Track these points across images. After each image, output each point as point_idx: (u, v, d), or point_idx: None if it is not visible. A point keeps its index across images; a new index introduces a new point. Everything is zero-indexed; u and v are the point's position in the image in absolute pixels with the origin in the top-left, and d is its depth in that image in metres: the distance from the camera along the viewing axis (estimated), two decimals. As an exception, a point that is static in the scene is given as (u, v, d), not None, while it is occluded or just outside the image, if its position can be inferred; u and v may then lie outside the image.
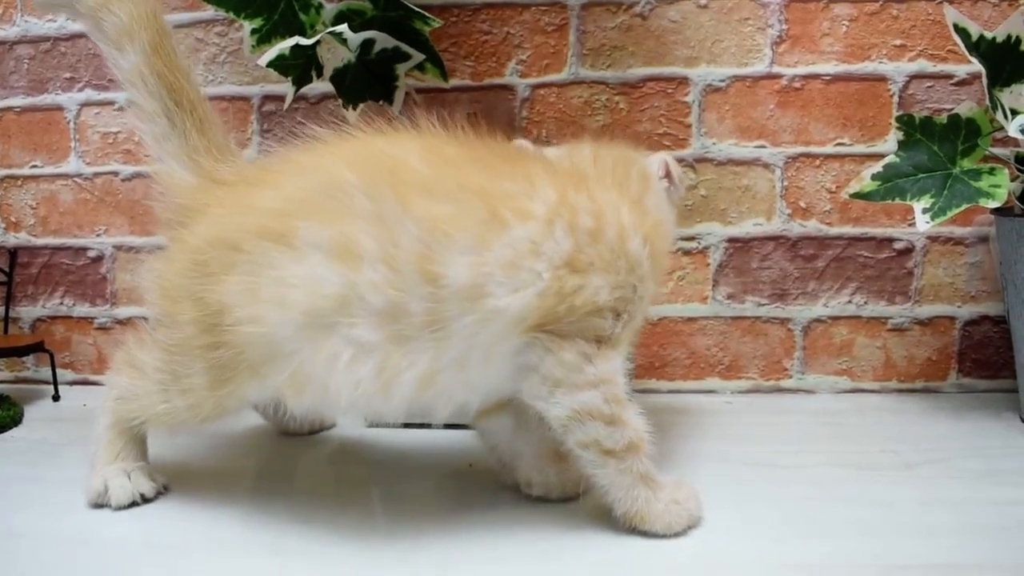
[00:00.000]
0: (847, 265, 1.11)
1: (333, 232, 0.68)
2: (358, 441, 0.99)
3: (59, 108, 1.19)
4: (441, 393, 0.70)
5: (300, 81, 0.95)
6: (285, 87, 0.96)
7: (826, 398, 1.11)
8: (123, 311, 1.21)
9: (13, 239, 1.22)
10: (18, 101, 1.19)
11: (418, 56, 0.96)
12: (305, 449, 0.97)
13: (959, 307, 1.11)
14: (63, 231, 1.21)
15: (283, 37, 0.93)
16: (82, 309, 1.22)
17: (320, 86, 1.00)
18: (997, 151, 0.99)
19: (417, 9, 0.93)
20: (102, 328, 1.22)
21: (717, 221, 1.11)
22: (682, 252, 1.11)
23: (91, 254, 1.21)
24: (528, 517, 0.76)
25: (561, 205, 0.69)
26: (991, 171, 0.91)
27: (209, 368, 0.74)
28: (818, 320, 1.12)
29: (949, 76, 1.07)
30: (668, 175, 0.86)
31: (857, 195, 0.96)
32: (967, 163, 0.94)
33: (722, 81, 1.09)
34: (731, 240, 1.11)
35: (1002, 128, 0.91)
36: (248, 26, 0.93)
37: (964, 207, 0.90)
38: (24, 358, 1.22)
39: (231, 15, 0.93)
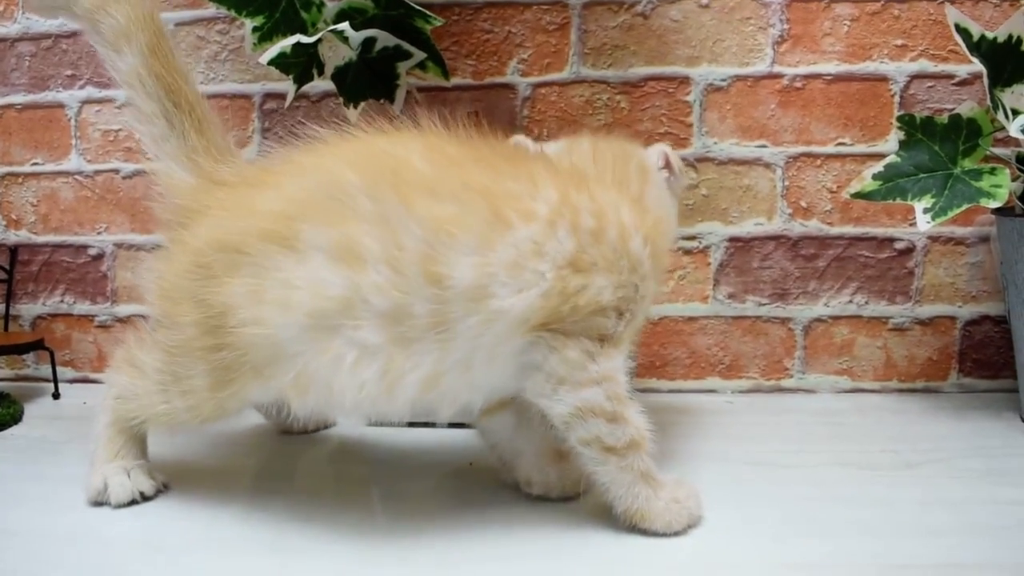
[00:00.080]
0: (848, 265, 1.11)
1: (336, 234, 0.68)
2: (358, 440, 0.99)
3: (60, 105, 1.19)
4: (445, 394, 0.70)
5: (301, 79, 0.95)
6: (286, 85, 0.96)
7: (827, 398, 1.11)
8: (123, 309, 1.21)
9: (14, 236, 1.22)
10: (19, 98, 1.19)
11: (419, 55, 0.96)
12: (305, 448, 0.97)
13: (960, 307, 1.11)
14: (64, 229, 1.21)
15: (284, 35, 0.93)
16: (82, 307, 1.22)
17: (321, 84, 1.00)
18: (998, 151, 0.99)
19: (418, 7, 0.93)
20: (102, 326, 1.22)
21: (718, 220, 1.11)
22: (683, 251, 1.11)
23: (92, 252, 1.21)
24: (528, 516, 0.76)
25: (563, 205, 0.69)
26: (992, 171, 0.91)
27: (211, 370, 0.74)
28: (819, 320, 1.12)
29: (950, 76, 1.07)
30: (668, 165, 0.86)
31: (858, 195, 0.96)
32: (968, 163, 0.94)
33: (723, 80, 1.09)
34: (732, 240, 1.11)
35: (1003, 128, 0.91)
36: (249, 24, 0.93)
37: (965, 207, 0.90)
38: (24, 356, 1.22)
39: (232, 13, 0.93)
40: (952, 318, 1.11)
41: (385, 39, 0.94)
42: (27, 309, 1.23)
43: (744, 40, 1.08)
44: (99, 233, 1.20)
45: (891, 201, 0.95)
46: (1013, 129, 0.88)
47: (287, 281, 0.69)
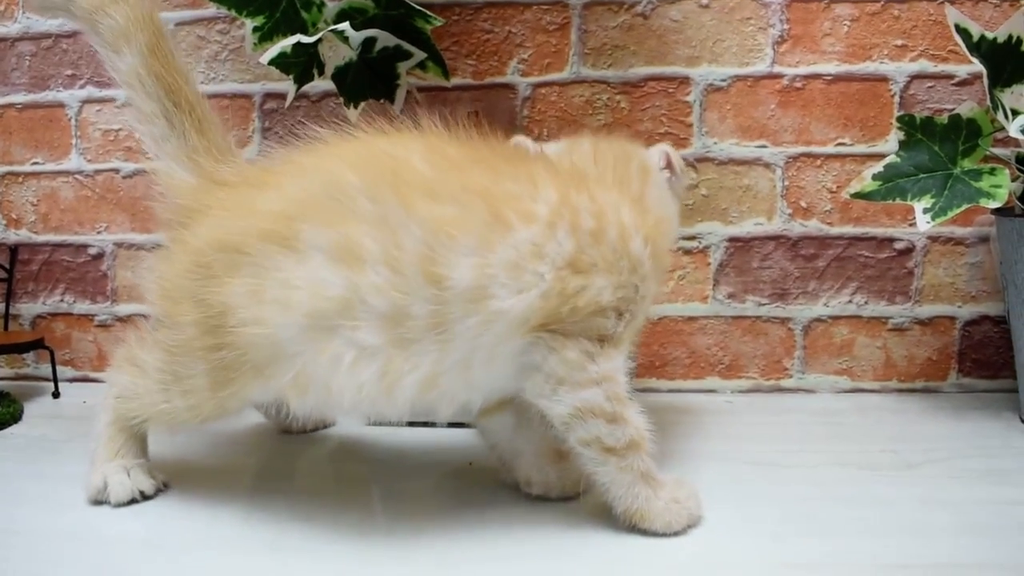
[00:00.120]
0: (847, 265, 1.11)
1: (336, 234, 0.68)
2: (358, 439, 0.99)
3: (60, 105, 1.19)
4: (444, 394, 0.70)
5: (302, 79, 0.95)
6: (286, 85, 0.96)
7: (826, 398, 1.11)
8: (123, 308, 1.21)
9: (14, 236, 1.22)
10: (19, 98, 1.19)
11: (420, 55, 0.97)
12: (305, 447, 0.97)
13: (959, 307, 1.11)
14: (64, 228, 1.21)
15: (285, 35, 0.93)
16: (82, 306, 1.22)
17: (321, 84, 1.00)
18: (998, 151, 0.99)
19: (419, 7, 0.93)
20: (102, 325, 1.22)
21: (718, 220, 1.11)
22: (683, 251, 1.11)
23: (92, 251, 1.21)
24: (528, 516, 0.76)
25: (563, 206, 0.69)
26: (992, 171, 0.91)
27: (211, 369, 0.74)
28: (818, 320, 1.12)
29: (950, 76, 1.07)
30: (669, 165, 0.86)
31: (858, 195, 0.96)
32: (968, 163, 0.94)
33: (723, 81, 1.09)
34: (732, 239, 1.11)
35: (1003, 128, 0.91)
36: (250, 24, 0.93)
37: (965, 207, 0.90)
38: (24, 355, 1.23)
39: (233, 13, 0.93)
40: (952, 318, 1.11)
41: (385, 39, 0.94)
42: (27, 308, 1.23)
43: (744, 40, 1.08)
44: (99, 232, 1.20)
45: (891, 201, 0.95)
46: (1013, 129, 0.88)
47: (287, 281, 0.69)
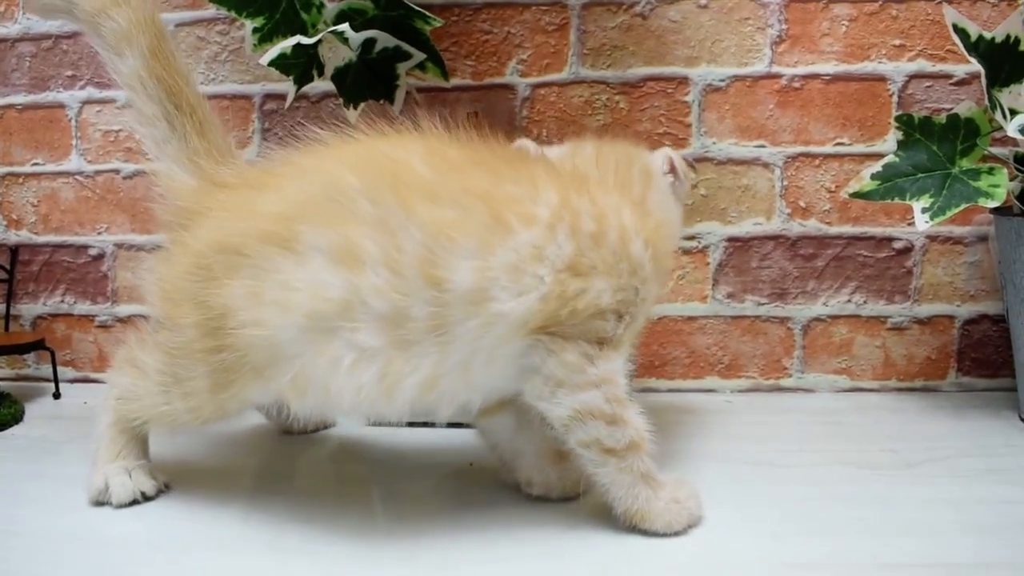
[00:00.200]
0: (846, 264, 1.11)
1: (336, 236, 0.68)
2: (358, 440, 0.99)
3: (61, 106, 1.19)
4: (444, 395, 0.70)
5: (301, 80, 0.95)
6: (286, 86, 0.97)
7: (826, 397, 1.11)
8: (124, 309, 1.21)
9: (14, 237, 1.22)
10: (20, 99, 1.19)
11: (419, 55, 0.97)
12: (306, 448, 0.97)
13: (958, 306, 1.11)
14: (64, 229, 1.21)
15: (285, 36, 0.93)
16: (83, 307, 1.22)
17: (321, 85, 1.00)
18: (996, 151, 0.99)
19: (418, 8, 0.93)
20: (103, 326, 1.22)
21: (717, 220, 1.11)
22: (682, 251, 1.11)
23: (92, 252, 1.21)
24: (528, 516, 0.76)
25: (563, 209, 0.69)
26: (990, 171, 0.91)
27: (211, 371, 0.74)
28: (817, 319, 1.12)
29: (948, 76, 1.07)
30: (672, 170, 0.86)
31: (856, 194, 0.96)
32: (966, 163, 0.94)
33: (722, 81, 1.09)
34: (731, 239, 1.12)
35: (1001, 128, 0.91)
36: (250, 25, 0.94)
37: (963, 207, 0.90)
38: (25, 356, 1.23)
39: (233, 14, 0.93)
40: (951, 317, 1.11)
41: (385, 40, 0.94)
42: (28, 309, 1.23)
43: (743, 40, 1.09)
44: (99, 233, 1.20)
45: (889, 201, 0.95)
46: (1011, 129, 0.88)
47: (286, 283, 0.69)
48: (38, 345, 1.12)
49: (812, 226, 1.11)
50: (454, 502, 0.81)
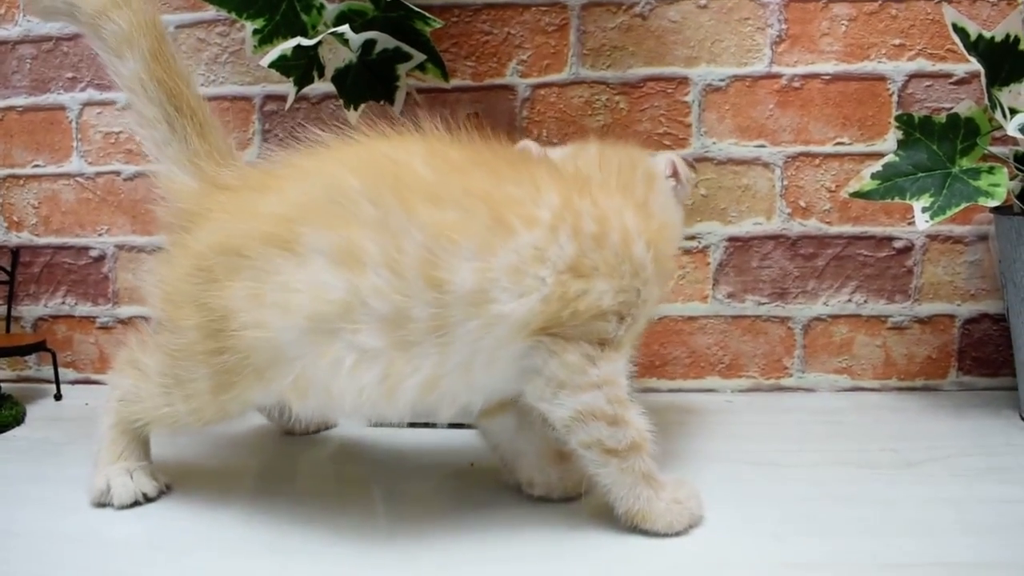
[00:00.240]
0: (847, 264, 1.11)
1: (337, 238, 0.68)
2: (359, 441, 0.99)
3: (61, 108, 1.19)
4: (445, 397, 0.70)
5: (302, 81, 0.95)
6: (287, 87, 0.97)
7: (826, 396, 1.12)
8: (125, 310, 1.21)
9: (15, 238, 1.22)
10: (20, 101, 1.19)
11: (419, 56, 0.97)
12: (307, 449, 0.97)
13: (959, 305, 1.11)
14: (65, 230, 1.21)
15: (285, 38, 0.93)
16: (84, 308, 1.22)
17: (321, 86, 1.01)
18: (996, 150, 0.99)
19: (418, 10, 0.93)
20: (104, 327, 1.22)
21: (717, 220, 1.11)
22: (682, 251, 1.11)
23: (93, 253, 1.21)
24: (529, 517, 0.76)
25: (565, 210, 0.69)
26: (990, 170, 0.91)
27: (213, 373, 0.74)
28: (818, 319, 1.12)
29: (948, 75, 1.07)
30: (675, 174, 0.86)
31: (857, 194, 0.96)
32: (966, 162, 0.94)
33: (722, 81, 1.09)
34: (731, 239, 1.12)
35: (1001, 127, 0.91)
36: (250, 27, 0.94)
37: (963, 206, 0.90)
38: (26, 357, 1.23)
39: (233, 16, 0.93)
40: (951, 316, 1.11)
41: (385, 41, 0.94)
42: (29, 311, 1.23)
43: (742, 40, 1.09)
44: (100, 235, 1.20)
45: (889, 200, 0.95)
46: (1011, 128, 0.88)
47: (287, 284, 0.69)
48: (39, 347, 1.12)
49: (812, 226, 1.11)
50: (455, 503, 0.81)
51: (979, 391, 1.11)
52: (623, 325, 0.71)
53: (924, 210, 0.92)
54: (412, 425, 1.00)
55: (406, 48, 0.96)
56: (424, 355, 0.67)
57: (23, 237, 1.22)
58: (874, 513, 0.76)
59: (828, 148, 1.09)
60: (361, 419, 1.01)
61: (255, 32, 0.94)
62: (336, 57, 0.96)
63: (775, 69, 1.09)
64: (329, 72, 0.97)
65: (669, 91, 1.10)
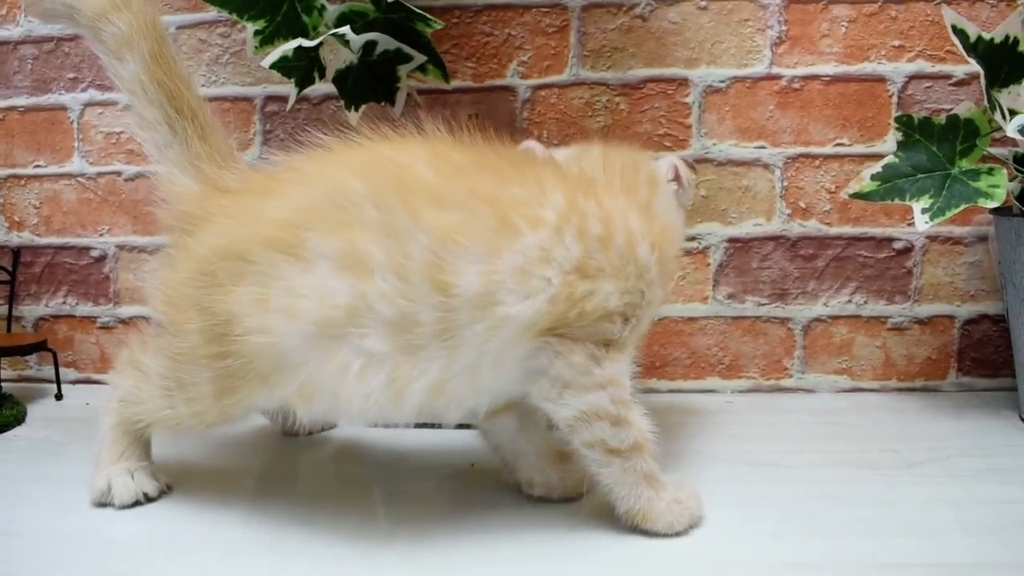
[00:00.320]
0: (847, 265, 1.11)
1: (342, 242, 0.67)
2: (360, 441, 0.99)
3: (62, 108, 1.19)
4: (451, 400, 0.70)
5: (303, 82, 0.96)
6: (288, 88, 0.97)
7: (826, 397, 1.12)
8: (126, 310, 1.21)
9: (16, 238, 1.22)
10: (22, 101, 1.20)
11: (420, 58, 0.97)
12: (307, 449, 0.97)
13: (958, 306, 1.11)
14: (66, 231, 1.21)
15: (286, 39, 0.93)
16: (85, 308, 1.22)
17: (322, 87, 1.01)
18: (995, 151, 0.99)
19: (419, 11, 0.93)
20: (105, 327, 1.22)
21: (717, 221, 1.12)
22: (683, 252, 1.12)
23: (94, 253, 1.21)
24: (530, 517, 0.77)
25: (570, 211, 0.69)
26: (990, 171, 0.91)
27: (215, 377, 0.74)
28: (818, 319, 1.12)
29: (947, 76, 1.07)
30: (677, 178, 0.86)
31: (856, 195, 0.96)
32: (966, 163, 0.94)
33: (722, 82, 1.09)
34: (731, 240, 1.12)
35: (1000, 128, 0.91)
36: (251, 28, 0.94)
37: (963, 207, 0.90)
38: (27, 357, 1.23)
39: (234, 17, 0.94)
40: (951, 317, 1.11)
41: (386, 42, 0.94)
42: (30, 310, 1.23)
43: (742, 42, 1.09)
44: (101, 235, 1.20)
45: (889, 201, 0.95)
46: (1010, 129, 0.88)
47: (292, 289, 0.68)
48: (40, 346, 1.12)
49: (812, 227, 1.11)
50: (455, 503, 0.81)
51: (979, 392, 1.11)
52: (628, 326, 0.71)
53: (924, 211, 0.92)
54: (420, 426, 1.00)
55: (407, 49, 0.96)
56: (431, 359, 0.67)
57: (24, 237, 1.22)
58: (874, 513, 0.76)
59: (828, 149, 1.09)
60: (365, 422, 1.01)
61: (256, 33, 0.94)
62: (337, 58, 0.96)
63: (775, 70, 1.09)
64: (330, 73, 0.97)
65: (669, 92, 1.10)
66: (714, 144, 1.10)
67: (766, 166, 1.10)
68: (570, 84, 1.11)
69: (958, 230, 1.10)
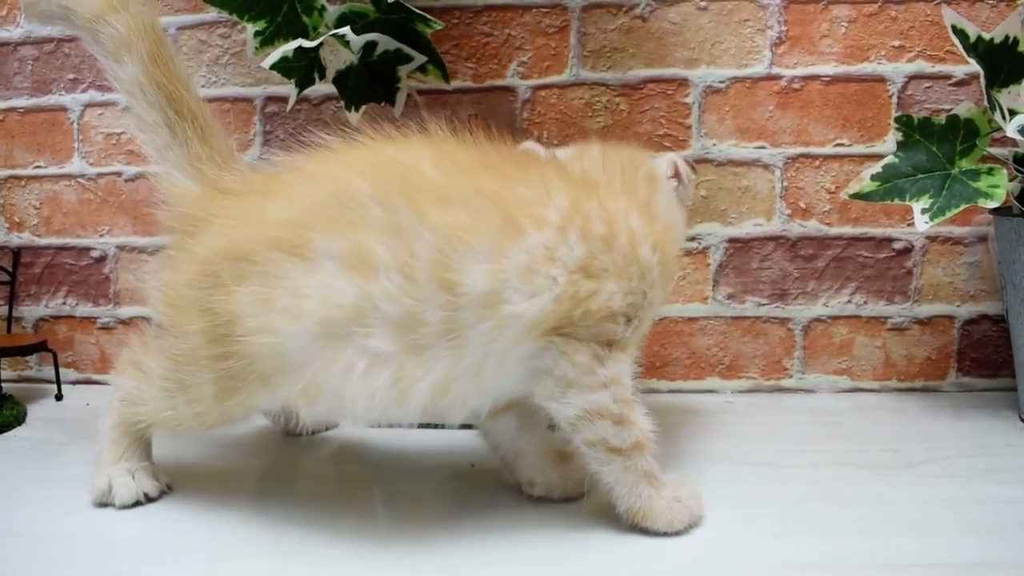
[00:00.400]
0: (847, 265, 1.11)
1: (347, 242, 0.67)
2: (360, 441, 0.99)
3: (63, 109, 1.19)
4: (456, 400, 0.70)
5: (303, 83, 0.96)
6: (288, 88, 0.97)
7: (826, 397, 1.12)
8: (126, 311, 1.21)
9: (17, 239, 1.22)
10: (22, 102, 1.20)
11: (420, 58, 0.97)
12: (307, 449, 0.97)
13: (958, 306, 1.11)
14: (66, 231, 1.21)
15: (286, 39, 0.93)
16: (85, 309, 1.22)
17: (323, 88, 1.01)
18: (995, 151, 0.99)
19: (419, 11, 0.93)
20: (105, 328, 1.22)
21: (717, 221, 1.12)
22: (683, 252, 1.12)
23: (94, 254, 1.21)
24: (530, 517, 0.77)
25: (574, 211, 0.69)
26: (989, 171, 0.91)
27: (217, 378, 0.74)
28: (818, 320, 1.12)
29: (947, 77, 1.07)
30: (677, 175, 0.86)
31: (856, 195, 0.97)
32: (966, 163, 0.94)
33: (722, 82, 1.09)
34: (731, 240, 1.12)
35: (1000, 128, 0.91)
36: (251, 28, 0.94)
37: (963, 207, 0.90)
38: (27, 357, 1.23)
39: (234, 17, 0.94)
40: (951, 317, 1.11)
41: (386, 43, 0.95)
42: (30, 311, 1.23)
43: (742, 42, 1.09)
44: (101, 236, 1.20)
45: (889, 202, 0.95)
46: (1010, 129, 0.88)
47: (297, 289, 0.68)
48: (40, 347, 1.12)
49: (812, 227, 1.11)
50: (455, 503, 0.81)
51: (978, 392, 1.11)
52: (630, 327, 0.71)
53: (923, 211, 0.92)
54: (423, 426, 1.00)
55: (407, 50, 0.96)
56: (436, 358, 0.67)
57: (24, 238, 1.22)
58: (874, 513, 0.76)
59: (828, 149, 1.09)
60: (369, 422, 1.01)
61: (256, 34, 0.94)
62: (337, 59, 0.96)
63: (775, 71, 1.09)
64: (330, 74, 0.97)
65: (669, 93, 1.10)
66: (714, 144, 1.10)
67: (766, 166, 1.10)
68: (570, 84, 1.11)
69: (958, 230, 1.10)
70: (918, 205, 0.93)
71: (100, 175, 1.19)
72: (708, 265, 1.13)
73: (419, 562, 0.69)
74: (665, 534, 0.72)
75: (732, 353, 1.14)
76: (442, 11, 1.09)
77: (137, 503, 0.80)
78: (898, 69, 1.08)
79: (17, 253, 1.21)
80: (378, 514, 0.79)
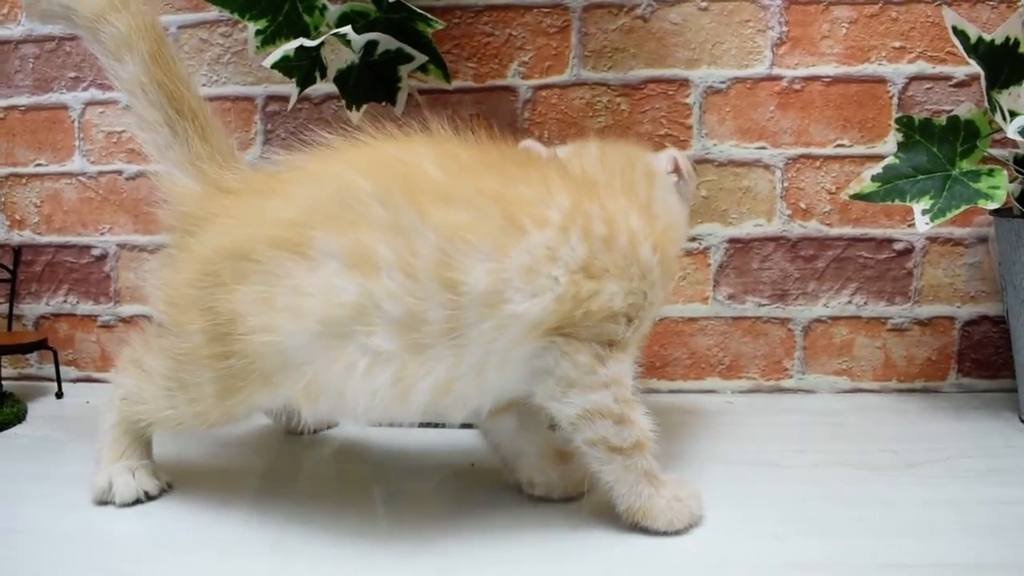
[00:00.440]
0: (847, 266, 1.11)
1: (349, 241, 0.67)
2: (360, 440, 0.99)
3: (64, 107, 1.19)
4: (457, 399, 0.70)
5: (304, 82, 0.96)
6: (289, 88, 0.97)
7: (826, 398, 1.12)
8: (126, 309, 1.21)
9: (17, 237, 1.22)
10: (23, 100, 1.20)
11: (421, 58, 0.97)
12: (308, 448, 0.97)
13: (958, 307, 1.11)
14: (67, 229, 1.21)
15: (287, 38, 0.93)
16: (86, 307, 1.22)
17: (324, 87, 1.01)
18: (996, 152, 0.99)
19: (420, 11, 0.93)
20: (105, 326, 1.22)
21: (718, 222, 1.12)
22: (683, 252, 1.12)
23: (95, 252, 1.21)
24: (530, 517, 0.77)
25: (575, 212, 0.69)
26: (990, 172, 0.91)
27: (218, 378, 0.74)
28: (818, 320, 1.12)
29: (948, 78, 1.07)
30: (676, 170, 0.86)
31: (857, 196, 0.97)
32: (966, 164, 0.94)
33: (723, 83, 1.10)
34: (732, 241, 1.12)
35: (1001, 130, 0.91)
36: (252, 27, 0.94)
37: (963, 208, 0.90)
38: (28, 355, 1.23)
39: (236, 16, 0.94)
40: (951, 318, 1.11)
41: (387, 42, 0.95)
42: (30, 309, 1.24)
43: (743, 42, 1.09)
44: (102, 234, 1.20)
45: (890, 202, 0.95)
46: (1011, 131, 0.88)
47: (298, 288, 0.68)
48: (41, 345, 1.12)
49: (813, 227, 1.11)
50: (455, 503, 0.81)
51: (979, 393, 1.11)
52: (631, 327, 0.71)
53: (924, 212, 0.92)
54: (424, 425, 1.00)
55: (408, 49, 0.96)
56: (438, 357, 0.67)
57: (25, 236, 1.22)
58: (874, 514, 0.76)
59: (828, 150, 1.10)
60: (371, 421, 1.01)
61: (258, 33, 0.94)
62: (338, 58, 0.96)
63: (776, 71, 1.09)
64: (331, 73, 0.97)
65: (670, 93, 1.10)
66: (715, 145, 1.10)
67: (767, 167, 1.10)
68: (571, 84, 1.11)
69: (958, 231, 1.10)
70: (918, 206, 0.93)
71: (101, 173, 1.19)
72: (708, 265, 1.13)
73: (419, 562, 0.69)
74: (665, 533, 0.72)
75: (732, 353, 1.14)
76: (443, 11, 1.09)
77: (137, 501, 0.80)
78: (899, 70, 1.08)
79: (18, 251, 1.21)
80: (378, 513, 0.79)
